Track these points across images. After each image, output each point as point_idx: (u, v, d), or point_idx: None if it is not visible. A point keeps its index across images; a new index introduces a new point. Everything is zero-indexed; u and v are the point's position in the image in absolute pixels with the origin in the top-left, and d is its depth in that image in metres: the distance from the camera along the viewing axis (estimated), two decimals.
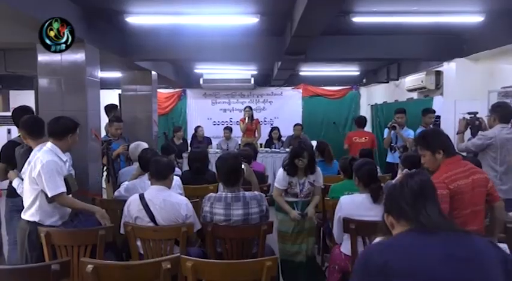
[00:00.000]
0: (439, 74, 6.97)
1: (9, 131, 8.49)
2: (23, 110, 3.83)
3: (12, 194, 3.38)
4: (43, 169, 2.83)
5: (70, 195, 3.03)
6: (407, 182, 1.55)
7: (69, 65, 4.42)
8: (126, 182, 3.60)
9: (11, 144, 3.58)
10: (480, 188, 2.57)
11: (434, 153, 2.55)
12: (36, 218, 2.91)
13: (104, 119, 5.83)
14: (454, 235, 1.45)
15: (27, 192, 2.96)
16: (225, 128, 8.29)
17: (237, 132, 8.46)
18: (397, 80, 8.61)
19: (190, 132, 9.62)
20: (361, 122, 7.13)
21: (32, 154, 2.99)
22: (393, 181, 3.55)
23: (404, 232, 1.48)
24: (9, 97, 10.25)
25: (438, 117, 6.37)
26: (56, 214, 2.99)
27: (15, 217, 3.47)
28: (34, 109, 4.52)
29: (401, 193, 1.54)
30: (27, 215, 2.93)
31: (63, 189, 2.89)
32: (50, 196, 2.85)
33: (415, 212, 1.48)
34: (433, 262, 1.36)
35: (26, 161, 3.03)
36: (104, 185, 5.28)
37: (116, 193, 3.61)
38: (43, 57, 4.40)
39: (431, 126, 6.13)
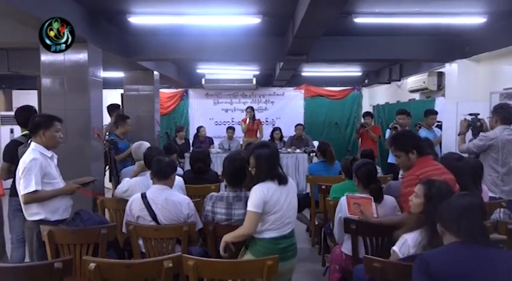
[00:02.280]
0: (441, 75, 6.97)
1: (12, 131, 8.53)
2: (25, 109, 3.86)
3: (16, 193, 3.41)
4: (24, 166, 2.88)
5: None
6: (456, 201, 1.87)
7: (72, 65, 4.44)
8: (127, 179, 3.62)
9: (14, 143, 3.61)
10: None
11: (408, 153, 2.67)
12: (42, 216, 2.94)
13: (107, 119, 5.85)
14: (489, 248, 1.78)
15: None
16: (228, 128, 8.31)
17: (239, 133, 8.47)
18: (399, 81, 8.61)
19: (192, 132, 9.64)
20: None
21: None
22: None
23: (452, 243, 1.81)
24: (12, 97, 10.29)
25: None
26: (59, 207, 3.04)
27: (18, 215, 3.50)
28: (37, 109, 4.54)
29: (449, 211, 1.85)
30: (32, 215, 2.97)
31: (35, 187, 2.87)
32: (20, 194, 2.90)
33: (459, 228, 1.79)
34: (467, 270, 1.72)
35: None
36: (106, 185, 5.30)
37: (117, 189, 3.60)
38: (46, 57, 4.42)
39: (434, 127, 6.14)
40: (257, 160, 2.61)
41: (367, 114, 7.71)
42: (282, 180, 2.60)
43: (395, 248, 2.26)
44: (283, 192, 2.58)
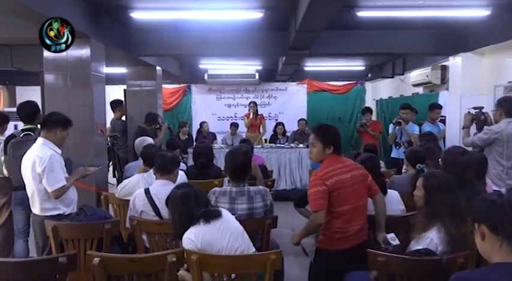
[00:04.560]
0: (444, 68, 6.93)
1: (16, 127, 8.55)
2: (26, 105, 3.89)
3: (16, 188, 3.45)
4: (46, 163, 2.93)
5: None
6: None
7: (74, 60, 4.45)
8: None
9: (10, 137, 3.68)
10: (360, 183, 2.62)
11: (325, 147, 2.59)
12: (60, 211, 3.04)
13: (110, 115, 5.86)
14: None
15: (35, 190, 3.03)
16: (232, 125, 8.27)
17: (242, 128, 8.47)
18: (403, 74, 8.57)
19: (195, 127, 9.63)
20: None
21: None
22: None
23: (504, 265, 1.34)
24: (16, 93, 10.33)
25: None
26: (72, 200, 3.14)
27: (17, 209, 3.55)
28: (40, 105, 4.56)
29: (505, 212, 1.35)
30: (48, 210, 3.03)
31: (64, 182, 3.01)
32: (50, 190, 2.96)
33: None
34: None
35: (18, 153, 3.22)
36: (110, 181, 5.33)
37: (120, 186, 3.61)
38: (49, 53, 4.39)
39: (438, 121, 6.11)
40: (170, 205, 2.46)
41: (366, 110, 7.66)
42: (210, 216, 2.35)
43: (421, 248, 2.19)
44: (216, 228, 2.32)
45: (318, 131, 2.65)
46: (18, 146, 3.43)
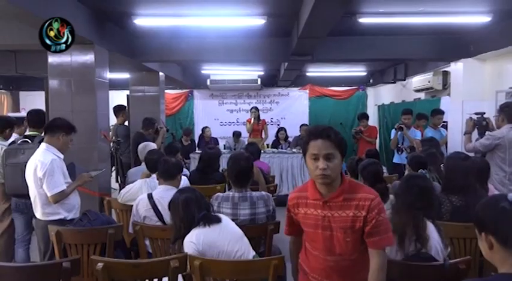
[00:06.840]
0: (446, 74, 6.94)
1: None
2: (35, 111, 3.93)
3: (16, 194, 3.46)
4: (46, 167, 2.94)
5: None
6: None
7: (78, 66, 4.48)
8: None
9: (11, 143, 3.74)
10: None
11: (342, 158, 1.97)
12: (62, 216, 3.05)
13: (113, 120, 5.88)
14: None
15: (36, 195, 3.05)
16: (234, 134, 8.25)
17: (244, 133, 8.49)
18: (404, 80, 8.58)
19: (197, 132, 9.67)
20: None
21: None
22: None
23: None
24: (20, 98, 10.38)
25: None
26: (74, 205, 3.14)
27: (15, 215, 3.60)
28: (44, 110, 4.59)
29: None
30: (50, 215, 3.04)
31: (64, 186, 3.02)
32: (49, 195, 2.97)
33: None
34: None
35: (10, 161, 3.30)
36: (113, 186, 5.34)
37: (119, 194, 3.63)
38: (53, 59, 4.47)
39: (440, 127, 6.11)
40: (171, 209, 2.51)
41: (362, 116, 7.72)
42: (210, 220, 2.40)
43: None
44: (216, 231, 2.36)
45: (336, 138, 1.87)
46: (10, 154, 3.41)
